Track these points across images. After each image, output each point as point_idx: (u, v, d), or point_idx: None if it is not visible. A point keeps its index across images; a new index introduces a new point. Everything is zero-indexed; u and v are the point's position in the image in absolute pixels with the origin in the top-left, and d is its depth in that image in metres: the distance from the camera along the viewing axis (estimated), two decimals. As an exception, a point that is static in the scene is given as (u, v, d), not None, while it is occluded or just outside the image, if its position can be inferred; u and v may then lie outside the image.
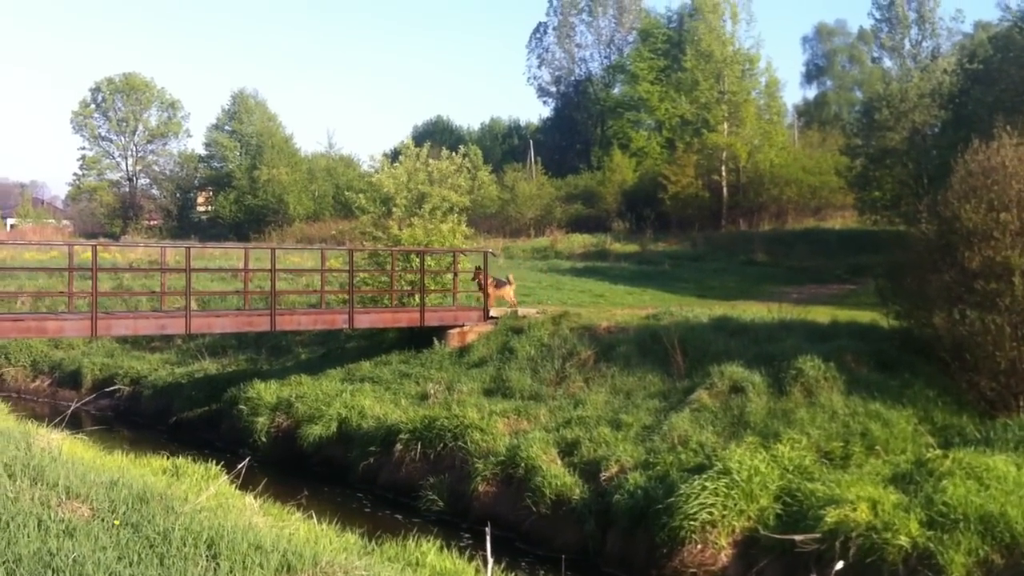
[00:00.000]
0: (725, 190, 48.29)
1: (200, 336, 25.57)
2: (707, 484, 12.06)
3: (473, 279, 23.12)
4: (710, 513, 11.81)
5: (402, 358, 21.77)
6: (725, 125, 49.02)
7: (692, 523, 11.79)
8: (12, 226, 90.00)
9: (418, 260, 22.98)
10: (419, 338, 22.11)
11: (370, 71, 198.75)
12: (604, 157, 57.10)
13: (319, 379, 21.33)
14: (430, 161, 27.61)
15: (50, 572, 5.64)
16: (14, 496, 6.88)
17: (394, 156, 33.47)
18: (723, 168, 48.07)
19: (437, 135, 66.60)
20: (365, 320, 21.57)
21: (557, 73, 71.99)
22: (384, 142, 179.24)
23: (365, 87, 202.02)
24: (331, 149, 70.44)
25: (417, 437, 16.74)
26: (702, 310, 21.04)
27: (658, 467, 13.29)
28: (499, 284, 23.18)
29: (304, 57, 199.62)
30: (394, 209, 26.16)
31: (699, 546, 11.73)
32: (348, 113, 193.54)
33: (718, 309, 21.57)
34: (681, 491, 12.13)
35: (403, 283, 23.63)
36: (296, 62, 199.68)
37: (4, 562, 5.66)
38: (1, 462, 7.54)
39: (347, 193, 36.54)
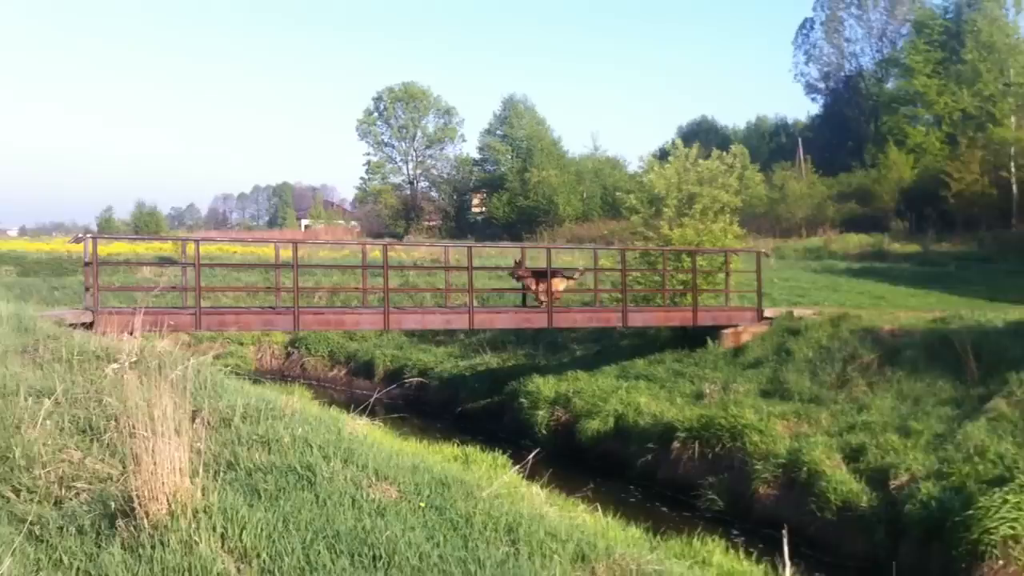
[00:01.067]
0: (1015, 187, 44.81)
1: (481, 331, 26.86)
2: (1009, 497, 11.47)
3: (511, 274, 22.18)
4: (1012, 528, 11.22)
5: (675, 357, 21.97)
6: (1012, 119, 45.63)
7: (992, 537, 11.27)
8: (306, 226, 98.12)
9: (689, 260, 23.08)
10: (692, 338, 22.23)
11: (633, 73, 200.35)
12: (879, 154, 54.56)
13: (594, 375, 21.88)
14: (699, 161, 27.52)
15: (366, 548, 6.04)
16: (330, 476, 7.27)
17: (662, 156, 33.57)
18: (1012, 164, 44.63)
19: (702, 135, 65.83)
20: (638, 319, 21.93)
21: (825, 69, 69.63)
22: (647, 143, 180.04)
23: (628, 89, 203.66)
24: (596, 151, 71.52)
25: (694, 436, 16.88)
26: (995, 314, 19.86)
27: (952, 477, 12.75)
28: (540, 278, 20.96)
29: (569, 61, 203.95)
30: (664, 209, 26.27)
31: (1000, 562, 11.17)
32: (611, 114, 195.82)
33: (1014, 313, 20.25)
34: (980, 504, 11.60)
35: (675, 282, 23.77)
36: (561, 67, 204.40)
37: (324, 537, 6.11)
38: (316, 444, 7.96)
39: (617, 194, 37.01)
